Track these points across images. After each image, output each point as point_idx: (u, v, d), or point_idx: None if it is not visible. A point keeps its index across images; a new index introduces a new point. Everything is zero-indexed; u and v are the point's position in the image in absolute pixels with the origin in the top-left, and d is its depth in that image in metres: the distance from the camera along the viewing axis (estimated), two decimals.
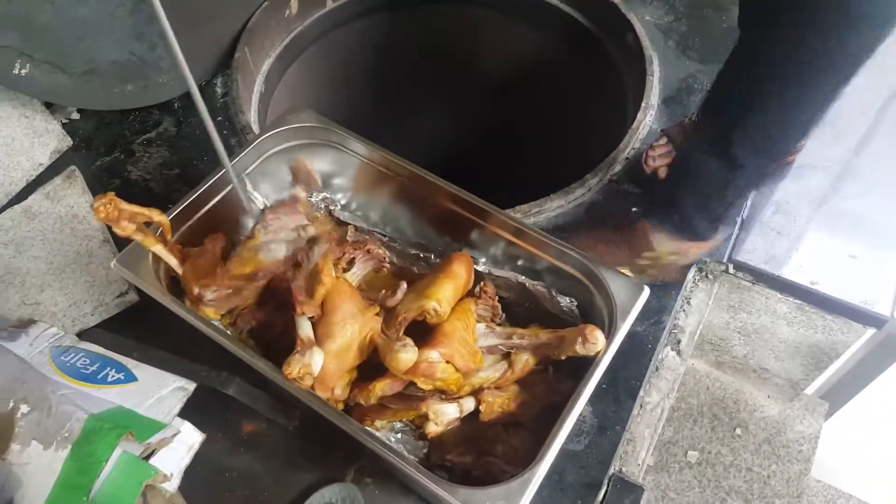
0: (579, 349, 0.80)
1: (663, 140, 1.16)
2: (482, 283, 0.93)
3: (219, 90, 1.34)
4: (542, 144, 1.73)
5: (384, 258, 0.96)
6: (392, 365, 0.77)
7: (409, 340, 0.78)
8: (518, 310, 0.96)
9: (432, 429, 0.79)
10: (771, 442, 1.36)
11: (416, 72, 1.77)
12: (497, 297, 0.93)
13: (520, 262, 0.93)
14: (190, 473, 0.87)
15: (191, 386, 0.90)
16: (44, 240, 1.06)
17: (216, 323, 0.88)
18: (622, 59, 1.40)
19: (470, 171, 1.36)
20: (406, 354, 0.76)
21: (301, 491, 0.88)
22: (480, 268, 0.95)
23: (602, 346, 0.79)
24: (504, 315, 0.95)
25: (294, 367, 0.75)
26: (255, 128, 1.28)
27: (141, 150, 1.25)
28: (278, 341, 0.89)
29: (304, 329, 0.81)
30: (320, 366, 0.77)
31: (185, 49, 1.22)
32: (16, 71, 1.07)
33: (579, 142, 1.44)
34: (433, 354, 0.79)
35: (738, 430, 1.36)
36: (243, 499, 0.88)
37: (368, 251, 0.94)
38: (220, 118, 1.29)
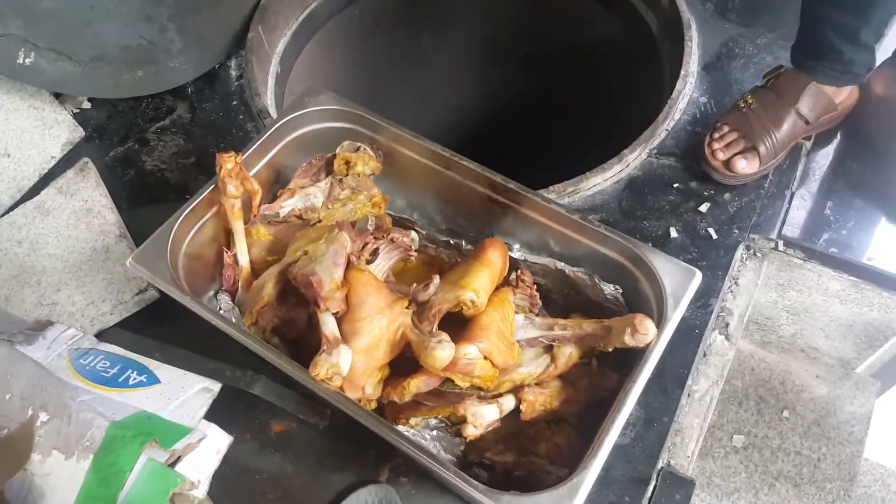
0: (628, 340, 0.74)
1: (725, 129, 1.05)
2: (518, 270, 0.87)
3: (233, 73, 1.28)
4: (576, 119, 1.66)
5: (409, 247, 0.91)
6: (428, 362, 0.72)
7: (444, 336, 0.73)
8: (557, 297, 0.91)
9: (471, 432, 0.74)
10: (820, 424, 1.29)
11: (441, 45, 1.70)
12: (535, 286, 0.88)
13: (557, 248, 0.88)
14: (218, 476, 0.84)
15: (216, 386, 0.86)
16: (58, 236, 1.02)
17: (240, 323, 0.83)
18: (657, 24, 1.31)
19: (501, 149, 1.30)
20: (443, 352, 0.71)
21: (335, 492, 0.84)
22: (515, 254, 0.90)
23: (653, 337, 0.74)
24: (541, 304, 0.89)
25: (321, 368, 0.71)
26: (273, 111, 1.22)
27: (155, 139, 1.20)
28: (305, 337, 0.85)
29: (329, 326, 0.76)
30: (349, 365, 0.72)
31: (197, 30, 1.17)
32: (20, 60, 1.02)
33: (615, 114, 1.37)
34: (471, 350, 0.73)
35: (786, 413, 1.30)
36: (274, 501, 0.84)
37: (392, 240, 0.89)
38: (235, 102, 1.24)
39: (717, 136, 1.05)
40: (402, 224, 0.99)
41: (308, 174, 0.94)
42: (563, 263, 0.87)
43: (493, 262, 0.83)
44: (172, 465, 0.77)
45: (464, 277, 0.79)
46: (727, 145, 1.04)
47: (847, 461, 1.27)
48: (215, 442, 0.83)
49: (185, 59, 1.22)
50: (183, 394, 0.84)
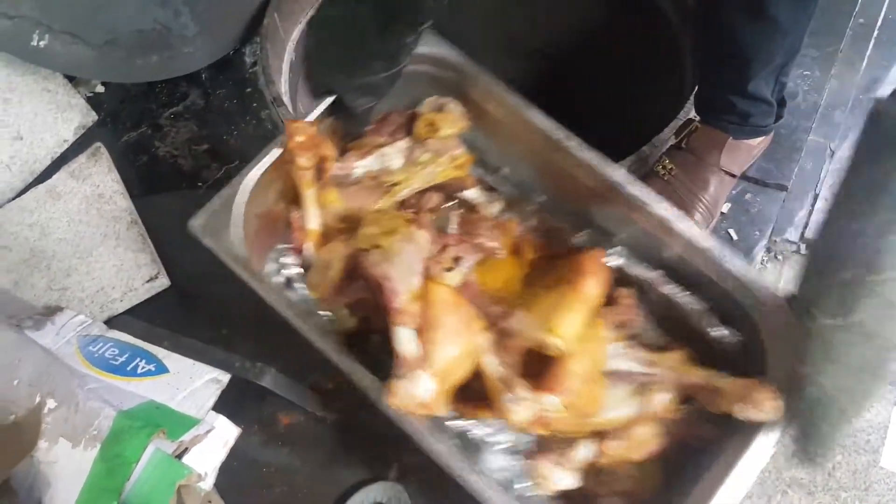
0: (738, 413, 0.65)
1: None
2: (621, 290, 0.77)
3: (248, 60, 1.27)
4: (592, 115, 1.63)
5: (495, 251, 0.79)
6: (502, 416, 0.68)
7: (524, 392, 0.66)
8: (654, 313, 0.79)
9: (538, 492, 0.69)
10: None
11: (453, 37, 1.67)
12: (637, 305, 0.77)
13: (665, 258, 0.77)
14: (225, 468, 0.82)
15: (225, 377, 0.84)
16: (69, 221, 1.01)
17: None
18: (676, 14, 1.28)
19: None
20: (518, 415, 0.66)
21: (343, 488, 0.83)
22: (615, 261, 0.79)
23: (772, 418, 0.65)
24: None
25: (399, 397, 0.65)
26: (287, 99, 1.20)
27: (168, 125, 1.19)
28: (375, 318, 0.76)
29: (405, 344, 0.68)
30: (430, 394, 0.66)
31: (212, 16, 1.15)
32: (34, 42, 1.01)
33: (633, 111, 1.34)
34: (553, 401, 0.67)
35: None
36: (281, 495, 0.84)
37: (477, 245, 0.77)
38: (249, 89, 1.23)
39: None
40: (487, 186, 0.88)
41: (384, 131, 0.83)
42: (672, 286, 0.76)
43: (590, 296, 0.73)
44: (179, 456, 0.76)
45: (554, 314, 0.70)
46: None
47: (863, 470, 1.25)
48: (223, 434, 0.82)
49: (199, 45, 1.21)
50: (191, 384, 0.83)
